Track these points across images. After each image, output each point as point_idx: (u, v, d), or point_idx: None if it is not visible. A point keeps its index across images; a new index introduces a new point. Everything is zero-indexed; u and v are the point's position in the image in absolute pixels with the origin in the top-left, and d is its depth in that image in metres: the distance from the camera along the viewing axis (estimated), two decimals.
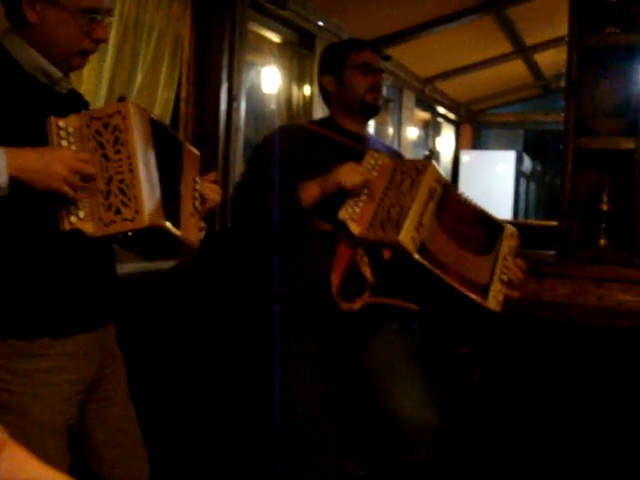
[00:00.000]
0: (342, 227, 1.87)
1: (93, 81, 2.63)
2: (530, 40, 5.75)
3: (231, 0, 3.24)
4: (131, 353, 1.77)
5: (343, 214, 1.87)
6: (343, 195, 1.88)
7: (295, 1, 3.81)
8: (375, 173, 1.92)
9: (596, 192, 2.44)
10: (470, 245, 1.88)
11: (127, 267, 2.39)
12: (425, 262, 1.82)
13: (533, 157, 9.03)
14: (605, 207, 2.41)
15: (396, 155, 2.26)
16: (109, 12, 1.49)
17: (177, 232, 1.50)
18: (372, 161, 1.94)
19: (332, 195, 1.90)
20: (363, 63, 2.13)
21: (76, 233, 1.36)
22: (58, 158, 1.31)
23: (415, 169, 1.87)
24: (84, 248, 1.43)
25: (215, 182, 1.70)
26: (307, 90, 4.43)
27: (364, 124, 2.23)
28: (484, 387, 2.42)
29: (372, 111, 2.18)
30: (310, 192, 1.93)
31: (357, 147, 2.05)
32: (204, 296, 2.91)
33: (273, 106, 4.58)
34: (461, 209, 1.91)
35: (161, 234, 1.47)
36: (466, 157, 8.42)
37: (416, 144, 7.46)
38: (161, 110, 3.05)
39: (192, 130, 3.18)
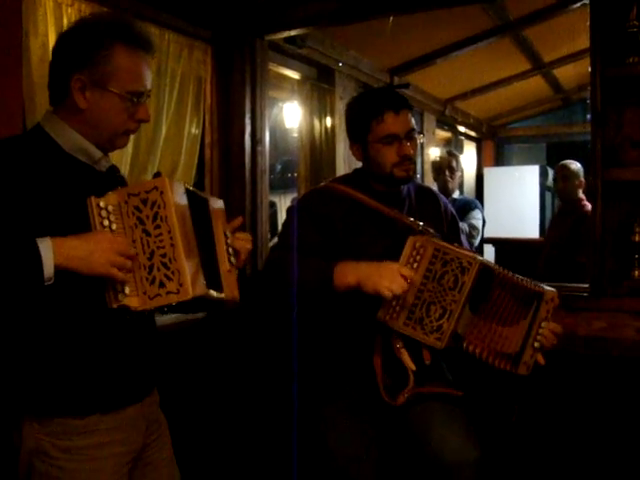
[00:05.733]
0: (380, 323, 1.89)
1: None
2: (548, 57, 5.72)
3: (250, 43, 3.28)
4: (170, 404, 1.79)
5: (382, 315, 1.88)
6: None
7: (313, 38, 3.85)
8: (416, 264, 1.87)
9: (628, 223, 2.41)
10: (504, 319, 1.90)
11: (161, 319, 2.42)
12: (456, 346, 1.90)
13: None
14: (638, 238, 2.37)
15: (427, 194, 2.26)
16: (149, 93, 1.53)
17: (220, 295, 1.55)
18: (414, 252, 1.87)
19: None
20: (386, 135, 2.01)
21: (123, 309, 1.40)
22: (100, 243, 1.34)
23: (459, 265, 1.84)
24: (130, 322, 1.46)
25: (242, 226, 1.73)
26: (328, 123, 4.47)
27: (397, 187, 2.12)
28: (523, 427, 2.39)
29: (403, 182, 2.08)
30: (346, 280, 1.84)
31: (393, 215, 1.99)
32: (239, 344, 2.93)
33: (296, 140, 4.63)
34: (498, 287, 1.90)
35: (205, 300, 1.51)
36: (489, 174, 8.37)
37: None
38: (187, 158, 3.10)
39: (218, 175, 3.22)
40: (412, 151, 2.03)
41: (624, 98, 2.47)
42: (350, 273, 1.84)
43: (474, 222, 4.16)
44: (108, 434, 1.48)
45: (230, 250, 1.65)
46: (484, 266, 1.89)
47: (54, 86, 1.50)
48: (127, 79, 1.46)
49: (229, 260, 1.63)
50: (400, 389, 1.94)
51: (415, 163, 2.08)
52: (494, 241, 6.01)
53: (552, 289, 1.93)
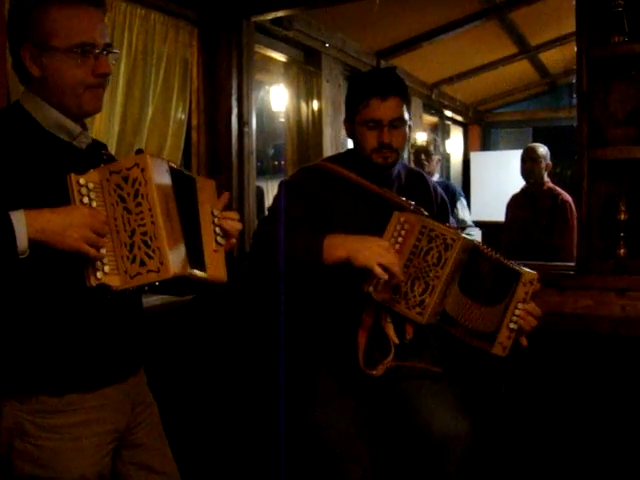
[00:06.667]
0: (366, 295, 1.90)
1: (105, 119, 2.65)
2: (535, 40, 5.74)
3: (237, 24, 3.26)
4: (158, 385, 1.78)
5: (367, 287, 1.88)
6: None
7: (299, 20, 3.83)
8: (401, 239, 1.89)
9: (613, 202, 2.42)
10: (483, 297, 1.92)
11: (149, 300, 2.42)
12: (438, 323, 1.94)
13: None
14: (623, 216, 2.40)
15: (417, 177, 2.26)
16: (107, 47, 1.48)
17: (204, 275, 1.53)
18: (398, 227, 1.90)
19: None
20: (369, 120, 1.99)
21: (103, 288, 1.39)
22: (76, 218, 1.32)
23: (443, 242, 1.86)
24: (111, 301, 1.44)
25: (229, 207, 1.70)
26: (315, 106, 4.45)
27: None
28: (511, 402, 2.42)
29: (380, 169, 2.05)
30: (336, 253, 1.83)
31: (383, 193, 2.00)
32: (227, 325, 2.94)
33: (282, 123, 4.61)
34: (481, 267, 1.91)
35: (188, 280, 1.49)
36: (476, 158, 8.38)
37: None
38: (174, 140, 3.08)
39: (205, 157, 3.21)
40: (393, 139, 2.00)
41: (609, 78, 2.48)
42: (340, 246, 1.83)
43: (465, 218, 4.18)
44: (89, 413, 1.46)
45: (217, 230, 1.61)
46: (472, 245, 1.91)
47: (15, 64, 1.48)
48: (68, 33, 1.42)
49: (216, 240, 1.60)
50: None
51: (397, 152, 2.04)
52: (481, 224, 6.05)
53: (533, 272, 1.93)
